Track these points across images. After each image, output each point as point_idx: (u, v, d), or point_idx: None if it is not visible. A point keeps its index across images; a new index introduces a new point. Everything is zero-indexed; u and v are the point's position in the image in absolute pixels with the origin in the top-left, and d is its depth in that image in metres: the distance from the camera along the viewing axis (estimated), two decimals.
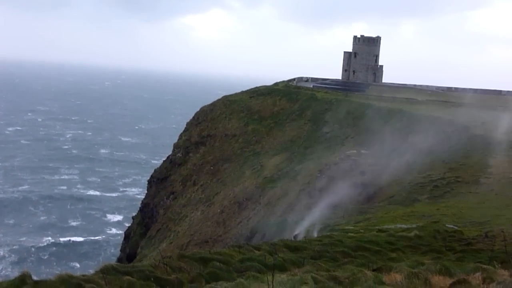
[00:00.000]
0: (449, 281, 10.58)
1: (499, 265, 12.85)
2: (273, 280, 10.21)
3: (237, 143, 79.04)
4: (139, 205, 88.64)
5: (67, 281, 10.05)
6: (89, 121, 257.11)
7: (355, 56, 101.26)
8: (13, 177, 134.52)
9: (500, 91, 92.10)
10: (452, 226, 26.04)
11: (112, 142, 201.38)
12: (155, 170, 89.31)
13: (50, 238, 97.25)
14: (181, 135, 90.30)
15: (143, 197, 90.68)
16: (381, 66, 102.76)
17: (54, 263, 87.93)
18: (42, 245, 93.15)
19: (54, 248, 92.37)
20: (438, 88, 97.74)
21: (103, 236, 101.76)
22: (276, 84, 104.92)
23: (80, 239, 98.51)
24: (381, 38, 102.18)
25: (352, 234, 23.15)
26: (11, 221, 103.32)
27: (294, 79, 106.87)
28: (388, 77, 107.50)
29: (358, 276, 11.28)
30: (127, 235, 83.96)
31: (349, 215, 34.42)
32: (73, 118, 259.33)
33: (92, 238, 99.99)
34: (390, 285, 10.59)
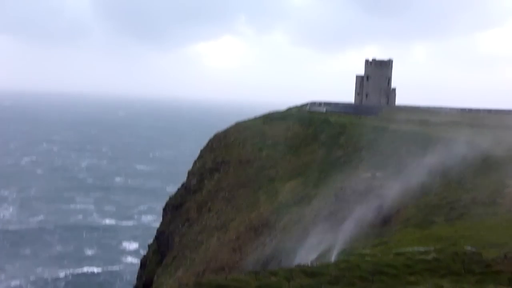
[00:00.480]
0: None
1: None
2: None
3: (251, 169, 78.96)
4: (155, 233, 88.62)
5: None
6: (103, 150, 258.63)
7: (367, 80, 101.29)
8: (29, 207, 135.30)
9: None
10: (470, 248, 25.73)
11: (127, 171, 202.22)
12: (170, 198, 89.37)
13: (66, 268, 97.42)
14: (195, 162, 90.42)
15: (159, 224, 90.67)
16: (394, 89, 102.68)
17: None
18: (59, 275, 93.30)
19: (70, 278, 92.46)
20: (452, 109, 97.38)
21: (119, 265, 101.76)
22: (289, 109, 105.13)
23: (97, 268, 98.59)
24: (393, 61, 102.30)
25: (369, 258, 22.95)
26: (28, 252, 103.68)
27: (307, 104, 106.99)
28: (401, 100, 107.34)
29: None
30: (143, 263, 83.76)
31: (365, 239, 34.16)
32: (88, 148, 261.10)
33: (108, 266, 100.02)
34: None
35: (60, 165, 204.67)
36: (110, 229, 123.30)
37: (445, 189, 43.44)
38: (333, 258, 28.77)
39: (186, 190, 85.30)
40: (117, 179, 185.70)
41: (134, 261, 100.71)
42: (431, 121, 76.92)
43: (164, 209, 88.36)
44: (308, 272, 18.28)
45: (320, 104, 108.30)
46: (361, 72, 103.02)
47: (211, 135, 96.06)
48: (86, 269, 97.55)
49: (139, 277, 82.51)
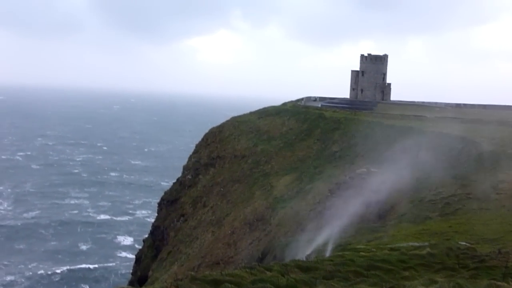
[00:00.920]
0: None
1: None
2: None
3: (246, 164, 79.00)
4: (150, 228, 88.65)
5: None
6: (98, 144, 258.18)
7: (362, 75, 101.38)
8: (23, 202, 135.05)
9: (510, 106, 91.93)
10: (464, 243, 25.82)
11: (122, 166, 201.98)
12: (165, 193, 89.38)
13: (61, 263, 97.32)
14: (190, 157, 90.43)
15: (154, 219, 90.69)
16: (389, 84, 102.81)
17: (65, 286, 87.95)
18: (54, 270, 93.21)
19: (65, 273, 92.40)
20: (447, 104, 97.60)
21: (114, 260, 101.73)
22: (284, 104, 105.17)
23: (91, 263, 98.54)
24: (388, 56, 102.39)
25: (363, 253, 22.99)
26: (22, 247, 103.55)
27: (302, 99, 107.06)
28: (396, 95, 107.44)
29: None
30: (138, 258, 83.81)
31: (360, 234, 34.23)
32: (82, 142, 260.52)
33: (103, 262, 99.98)
34: None
35: (55, 160, 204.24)
36: (105, 224, 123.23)
37: (439, 184, 43.53)
38: (328, 253, 28.81)
39: (181, 185, 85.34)
40: (112, 174, 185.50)
41: (129, 256, 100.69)
42: (426, 117, 77.04)
43: (159, 204, 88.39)
44: (303, 267, 18.30)
45: (315, 99, 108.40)
46: (356, 67, 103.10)
47: (206, 130, 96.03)
48: (81, 264, 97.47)
49: (134, 272, 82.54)
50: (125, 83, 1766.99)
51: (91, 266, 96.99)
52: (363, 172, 54.65)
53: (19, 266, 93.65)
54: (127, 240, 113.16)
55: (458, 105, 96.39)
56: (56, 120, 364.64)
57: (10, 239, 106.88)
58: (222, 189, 76.49)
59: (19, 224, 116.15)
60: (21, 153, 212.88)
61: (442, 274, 17.73)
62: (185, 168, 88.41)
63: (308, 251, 32.52)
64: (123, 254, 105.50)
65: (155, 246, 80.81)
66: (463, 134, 59.26)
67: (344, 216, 39.51)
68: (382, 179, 47.98)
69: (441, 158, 49.73)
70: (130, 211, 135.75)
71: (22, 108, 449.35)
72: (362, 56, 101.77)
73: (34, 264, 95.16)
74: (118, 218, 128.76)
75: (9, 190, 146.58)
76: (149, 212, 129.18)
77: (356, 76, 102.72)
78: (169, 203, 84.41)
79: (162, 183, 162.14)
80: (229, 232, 63.08)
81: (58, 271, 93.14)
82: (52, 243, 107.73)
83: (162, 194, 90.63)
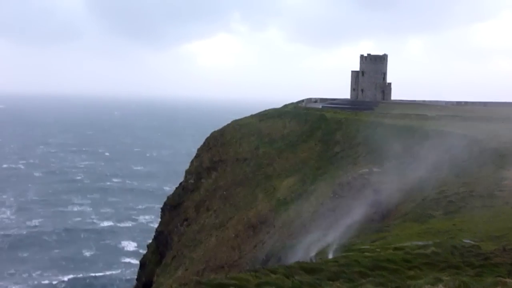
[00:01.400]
0: None
1: None
2: None
3: (248, 167, 78.97)
4: (153, 233, 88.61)
5: None
6: (100, 151, 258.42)
7: (362, 75, 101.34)
8: (27, 210, 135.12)
9: (511, 103, 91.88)
10: (469, 241, 25.78)
11: (124, 171, 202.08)
12: (168, 197, 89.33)
13: (65, 270, 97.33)
14: (192, 161, 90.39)
15: (157, 225, 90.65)
16: (389, 84, 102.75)
17: None
18: (58, 278, 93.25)
19: (70, 281, 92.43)
20: (447, 102, 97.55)
21: (119, 266, 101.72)
22: (285, 106, 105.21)
23: (96, 270, 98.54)
24: (388, 56, 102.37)
25: (368, 254, 22.96)
26: (26, 255, 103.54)
27: (303, 101, 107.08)
28: (397, 94, 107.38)
29: None
30: (143, 263, 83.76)
31: (364, 234, 34.18)
32: (84, 149, 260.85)
33: (108, 268, 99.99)
34: None
35: (57, 168, 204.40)
36: (109, 230, 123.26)
37: (442, 182, 43.47)
38: (332, 254, 28.77)
39: (183, 190, 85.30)
40: (115, 180, 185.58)
41: (134, 261, 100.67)
42: (427, 115, 76.98)
43: (162, 209, 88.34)
44: (308, 268, 18.28)
45: (316, 100, 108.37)
46: (357, 67, 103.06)
47: (207, 134, 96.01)
48: (85, 271, 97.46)
49: (138, 278, 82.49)
50: (126, 89, 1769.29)
51: (96, 273, 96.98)
52: (366, 172, 54.58)
53: (24, 275, 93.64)
54: (131, 246, 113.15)
55: (459, 103, 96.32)
56: (58, 127, 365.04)
57: (14, 247, 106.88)
58: (224, 192, 76.45)
59: (23, 232, 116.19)
60: (23, 161, 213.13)
61: (447, 273, 17.69)
62: (188, 172, 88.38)
63: (313, 253, 32.48)
64: (127, 260, 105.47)
65: (159, 251, 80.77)
66: (465, 132, 59.21)
67: (348, 217, 39.47)
68: (384, 179, 47.95)
69: (443, 157, 49.66)
70: (134, 217, 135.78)
71: (23, 117, 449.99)
72: (362, 56, 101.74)
73: (39, 272, 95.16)
74: (122, 224, 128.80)
75: (12, 198, 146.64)
76: (153, 217, 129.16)
77: (356, 76, 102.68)
78: (172, 208, 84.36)
79: (164, 188, 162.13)
80: (233, 235, 63.03)
81: (63, 278, 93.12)
82: (56, 250, 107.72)
83: (165, 199, 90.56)
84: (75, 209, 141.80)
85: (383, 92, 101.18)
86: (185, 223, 78.00)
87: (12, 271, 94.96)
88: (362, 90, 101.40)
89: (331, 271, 17.54)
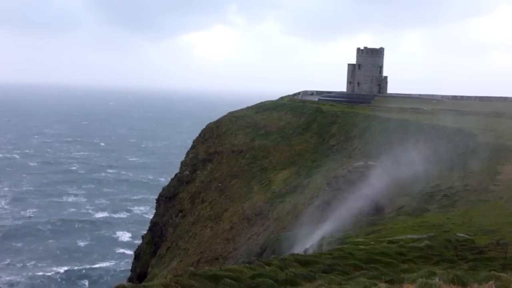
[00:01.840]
0: None
1: None
2: None
3: (244, 159, 78.98)
4: (148, 224, 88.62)
5: None
6: (95, 141, 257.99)
7: (359, 68, 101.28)
8: (22, 200, 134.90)
9: (506, 97, 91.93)
10: (463, 235, 25.87)
11: (120, 162, 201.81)
12: (163, 189, 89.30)
13: (60, 261, 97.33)
14: (188, 153, 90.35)
15: (152, 216, 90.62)
16: (386, 77, 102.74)
17: (65, 284, 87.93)
18: (52, 268, 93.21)
19: (64, 271, 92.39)
20: (443, 97, 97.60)
21: (113, 257, 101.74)
22: (281, 98, 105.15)
23: (90, 260, 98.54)
24: (385, 49, 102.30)
25: (362, 247, 23.02)
26: (21, 245, 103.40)
27: (299, 93, 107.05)
28: (393, 88, 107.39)
29: None
30: (137, 254, 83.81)
31: (359, 227, 34.27)
32: (79, 140, 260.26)
33: (102, 259, 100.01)
34: None
35: (52, 158, 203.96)
36: (104, 221, 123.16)
37: (437, 176, 43.59)
38: (326, 247, 28.84)
39: (179, 181, 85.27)
40: (110, 171, 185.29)
41: (128, 252, 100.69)
42: (423, 109, 77.08)
43: (157, 200, 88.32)
44: (302, 261, 18.32)
45: (312, 93, 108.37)
46: (353, 60, 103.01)
47: (203, 125, 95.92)
48: (80, 261, 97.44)
49: (133, 269, 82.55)
50: (122, 80, 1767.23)
51: (90, 264, 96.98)
52: (361, 165, 54.67)
53: (18, 265, 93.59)
54: (126, 237, 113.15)
55: (454, 97, 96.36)
56: (53, 117, 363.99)
57: (9, 238, 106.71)
58: (220, 184, 76.46)
59: (18, 222, 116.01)
60: (18, 151, 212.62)
61: (441, 266, 17.75)
62: (183, 164, 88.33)
63: (307, 245, 32.57)
64: (122, 251, 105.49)
65: (154, 243, 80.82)
66: (460, 126, 59.32)
67: (343, 210, 39.57)
68: (380, 172, 48.04)
69: (438, 150, 49.76)
70: (128, 208, 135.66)
71: (19, 107, 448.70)
72: (358, 49, 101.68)
73: (33, 263, 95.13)
74: (117, 215, 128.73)
75: (6, 188, 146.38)
76: (147, 208, 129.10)
77: (352, 69, 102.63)
78: (167, 199, 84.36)
79: (160, 179, 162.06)
80: (228, 227, 63.10)
81: (57, 269, 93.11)
82: (51, 241, 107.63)
83: (160, 190, 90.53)
84: (70, 199, 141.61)
85: (379, 85, 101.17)
86: (180, 214, 78.00)
87: (7, 261, 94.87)
88: (358, 83, 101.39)
89: (325, 263, 17.58)
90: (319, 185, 57.00)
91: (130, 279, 77.04)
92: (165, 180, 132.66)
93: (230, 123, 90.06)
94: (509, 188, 35.89)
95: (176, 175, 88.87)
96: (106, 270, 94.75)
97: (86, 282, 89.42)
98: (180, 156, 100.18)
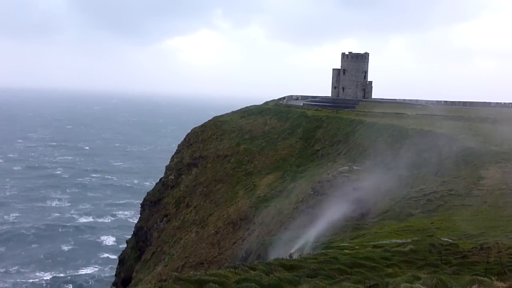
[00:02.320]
0: None
1: (495, 277, 12.83)
2: None
3: (229, 164, 78.96)
4: (133, 229, 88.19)
5: None
6: (80, 146, 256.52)
7: (344, 73, 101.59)
8: (5, 205, 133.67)
9: (490, 102, 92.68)
10: (447, 239, 26.00)
11: (104, 167, 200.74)
12: (148, 193, 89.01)
13: (43, 266, 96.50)
14: (173, 157, 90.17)
15: (137, 220, 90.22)
16: (370, 82, 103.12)
17: None
18: (36, 273, 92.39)
19: (48, 276, 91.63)
20: (427, 102, 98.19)
21: (97, 262, 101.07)
22: (266, 103, 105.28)
23: (74, 265, 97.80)
24: (370, 54, 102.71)
25: (347, 251, 23.07)
26: (3, 250, 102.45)
27: (284, 98, 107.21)
28: (378, 93, 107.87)
29: None
30: (122, 259, 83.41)
31: (343, 232, 34.34)
32: (64, 144, 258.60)
33: (86, 264, 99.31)
34: None
35: (36, 162, 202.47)
36: (88, 225, 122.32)
37: (421, 181, 43.82)
38: (311, 251, 28.86)
39: (164, 186, 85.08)
40: (94, 175, 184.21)
41: (112, 257, 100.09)
42: (407, 114, 77.49)
43: (142, 205, 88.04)
44: (287, 265, 18.32)
45: (297, 97, 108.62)
46: (338, 65, 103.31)
47: (188, 130, 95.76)
48: (63, 266, 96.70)
49: (117, 274, 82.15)
50: (107, 84, 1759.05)
51: (74, 269, 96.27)
52: (346, 170, 54.87)
53: (1, 270, 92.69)
54: (110, 241, 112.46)
55: (439, 102, 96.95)
56: (37, 122, 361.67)
57: None
58: (205, 189, 76.37)
59: (1, 227, 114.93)
60: (2, 156, 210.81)
61: (425, 271, 17.83)
62: (168, 168, 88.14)
63: (292, 250, 32.56)
64: (106, 255, 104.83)
65: (138, 247, 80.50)
66: (444, 131, 59.67)
67: (327, 215, 39.63)
68: (364, 176, 48.21)
69: (422, 155, 50.04)
70: (113, 212, 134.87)
71: (2, 111, 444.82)
72: (343, 54, 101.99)
73: (16, 268, 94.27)
74: (101, 220, 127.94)
75: None
76: (132, 213, 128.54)
77: (337, 74, 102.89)
78: (152, 203, 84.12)
79: (145, 183, 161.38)
80: (213, 232, 63.02)
81: (41, 274, 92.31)
82: (34, 246, 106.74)
83: (145, 195, 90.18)
84: (54, 204, 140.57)
85: (364, 90, 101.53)
86: (164, 219, 77.81)
87: None
88: (343, 88, 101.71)
89: (310, 268, 17.60)
90: (304, 190, 57.09)
91: (114, 284, 76.78)
92: (150, 184, 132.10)
93: (215, 127, 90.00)
94: (493, 193, 36.16)
95: (161, 179, 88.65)
96: (90, 275, 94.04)
97: (71, 287, 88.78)
98: (165, 160, 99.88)
